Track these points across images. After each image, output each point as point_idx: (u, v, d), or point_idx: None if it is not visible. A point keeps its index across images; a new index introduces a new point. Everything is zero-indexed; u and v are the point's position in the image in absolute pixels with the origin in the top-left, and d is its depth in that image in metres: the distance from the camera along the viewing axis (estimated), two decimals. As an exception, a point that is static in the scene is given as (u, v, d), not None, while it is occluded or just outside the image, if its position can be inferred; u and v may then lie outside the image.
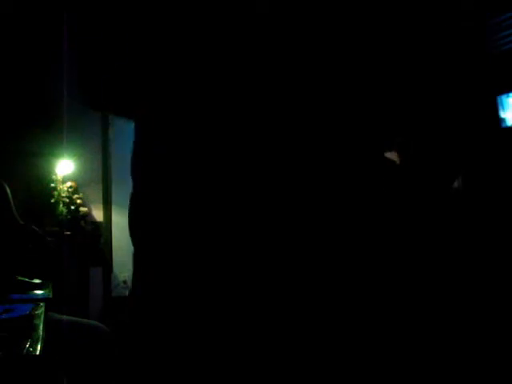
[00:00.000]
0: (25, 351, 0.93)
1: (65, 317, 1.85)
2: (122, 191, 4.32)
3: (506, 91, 4.03)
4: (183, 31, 0.71)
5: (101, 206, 4.22)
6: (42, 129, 3.98)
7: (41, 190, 3.72)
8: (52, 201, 3.73)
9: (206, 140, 0.71)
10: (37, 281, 1.78)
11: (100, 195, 4.24)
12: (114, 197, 4.29)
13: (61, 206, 3.72)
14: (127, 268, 4.23)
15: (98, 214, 4.17)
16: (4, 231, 1.91)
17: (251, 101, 0.70)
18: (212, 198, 0.70)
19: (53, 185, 3.79)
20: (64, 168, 3.86)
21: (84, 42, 0.85)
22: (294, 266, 0.70)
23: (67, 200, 3.77)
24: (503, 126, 3.63)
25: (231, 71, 0.71)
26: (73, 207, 3.77)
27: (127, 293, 4.20)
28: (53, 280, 1.82)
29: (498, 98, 3.99)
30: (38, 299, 1.51)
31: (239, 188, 0.69)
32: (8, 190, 2.11)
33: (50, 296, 1.61)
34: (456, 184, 1.37)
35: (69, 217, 3.74)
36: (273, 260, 0.70)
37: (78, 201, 3.83)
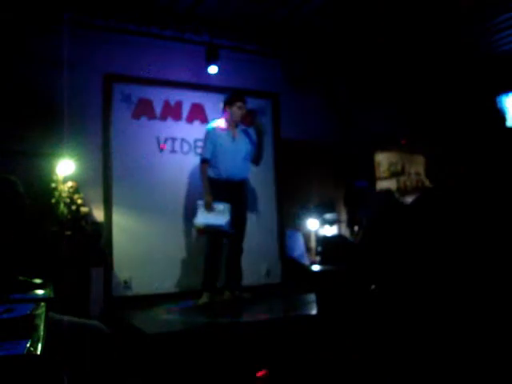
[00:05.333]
0: (25, 351, 0.93)
1: (65, 317, 1.85)
2: (123, 191, 4.33)
3: (505, 91, 4.03)
4: None
5: (101, 206, 4.22)
6: (43, 129, 3.98)
7: (42, 190, 3.72)
8: (53, 201, 3.73)
9: None
10: (38, 281, 1.78)
11: (100, 195, 4.24)
12: (115, 197, 4.29)
13: (61, 206, 3.72)
14: (127, 268, 4.23)
15: (98, 214, 4.18)
16: (6, 232, 1.91)
17: None
18: None
19: (53, 185, 3.79)
20: (65, 168, 3.87)
21: None
22: None
23: (68, 200, 3.77)
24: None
25: None
26: (73, 207, 3.77)
27: (127, 293, 4.20)
28: (53, 280, 1.82)
29: (498, 98, 3.99)
30: (38, 299, 1.51)
31: None
32: (16, 189, 2.02)
33: (51, 296, 1.60)
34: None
35: (69, 217, 3.74)
36: None
37: (79, 201, 3.83)
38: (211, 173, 4.04)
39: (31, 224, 2.25)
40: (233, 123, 4.15)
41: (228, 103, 4.14)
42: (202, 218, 3.93)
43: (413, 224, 1.43)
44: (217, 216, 3.89)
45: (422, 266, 1.33)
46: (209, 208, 3.90)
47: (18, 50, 3.99)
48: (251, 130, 4.25)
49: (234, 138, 4.13)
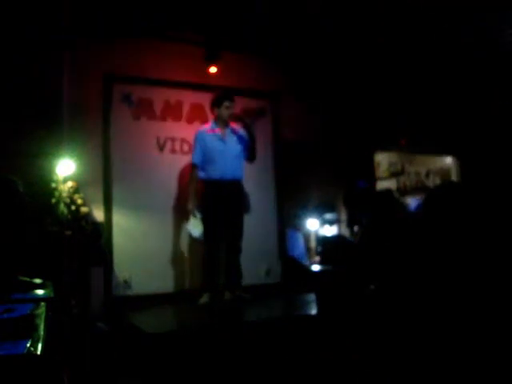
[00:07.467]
0: (25, 351, 0.93)
1: (65, 317, 1.85)
2: (123, 191, 4.33)
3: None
4: None
5: (101, 206, 4.22)
6: (43, 129, 3.98)
7: (42, 190, 3.71)
8: (53, 201, 3.73)
9: None
10: (38, 281, 1.79)
11: (101, 195, 4.24)
12: (115, 197, 4.29)
13: (62, 206, 3.72)
14: (127, 268, 4.23)
15: (98, 214, 4.17)
16: (6, 232, 1.91)
17: None
18: None
19: (54, 185, 3.78)
20: (65, 168, 3.86)
21: None
22: None
23: (68, 200, 3.76)
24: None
25: None
26: (73, 207, 3.77)
27: (128, 292, 4.20)
28: (53, 280, 1.83)
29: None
30: (38, 299, 1.52)
31: None
32: (17, 188, 2.02)
33: (52, 296, 1.61)
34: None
35: (69, 217, 3.74)
36: None
37: (79, 201, 3.82)
38: (203, 175, 4.06)
39: (31, 224, 2.25)
40: (221, 124, 4.12)
41: (215, 104, 4.12)
42: (188, 225, 4.09)
43: (413, 225, 1.43)
44: (194, 227, 4.01)
45: (421, 267, 1.33)
46: (190, 214, 4.01)
47: (18, 50, 3.98)
48: (241, 130, 4.20)
49: (223, 139, 4.11)
